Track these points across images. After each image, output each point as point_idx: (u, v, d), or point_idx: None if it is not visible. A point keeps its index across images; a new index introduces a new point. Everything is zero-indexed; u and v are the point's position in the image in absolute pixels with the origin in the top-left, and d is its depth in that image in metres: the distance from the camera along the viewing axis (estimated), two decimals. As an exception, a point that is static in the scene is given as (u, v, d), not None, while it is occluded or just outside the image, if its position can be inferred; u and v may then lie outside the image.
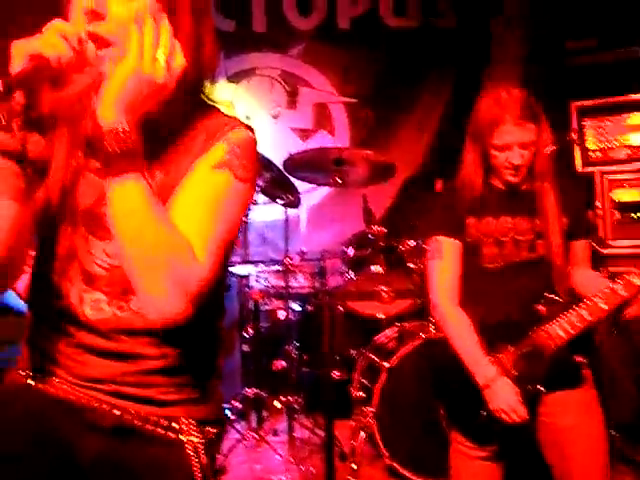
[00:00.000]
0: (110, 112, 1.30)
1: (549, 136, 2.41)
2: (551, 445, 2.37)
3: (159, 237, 1.34)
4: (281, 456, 3.76)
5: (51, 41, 1.29)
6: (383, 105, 5.53)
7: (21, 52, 1.27)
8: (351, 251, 3.88)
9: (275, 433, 4.14)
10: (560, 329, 2.27)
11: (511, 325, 2.35)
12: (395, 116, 5.52)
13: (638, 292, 2.23)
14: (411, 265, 3.81)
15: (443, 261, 2.48)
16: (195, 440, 1.52)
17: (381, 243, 3.85)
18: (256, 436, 3.89)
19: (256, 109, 5.20)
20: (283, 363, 4.05)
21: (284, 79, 5.46)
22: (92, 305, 1.49)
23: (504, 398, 2.26)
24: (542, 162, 2.41)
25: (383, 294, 3.79)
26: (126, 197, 1.32)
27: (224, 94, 5.56)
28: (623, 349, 3.79)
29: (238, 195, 1.49)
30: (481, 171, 2.47)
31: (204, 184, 1.45)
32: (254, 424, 4.13)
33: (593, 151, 4.17)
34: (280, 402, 3.98)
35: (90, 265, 1.49)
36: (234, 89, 5.43)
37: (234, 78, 5.43)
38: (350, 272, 3.89)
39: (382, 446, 3.42)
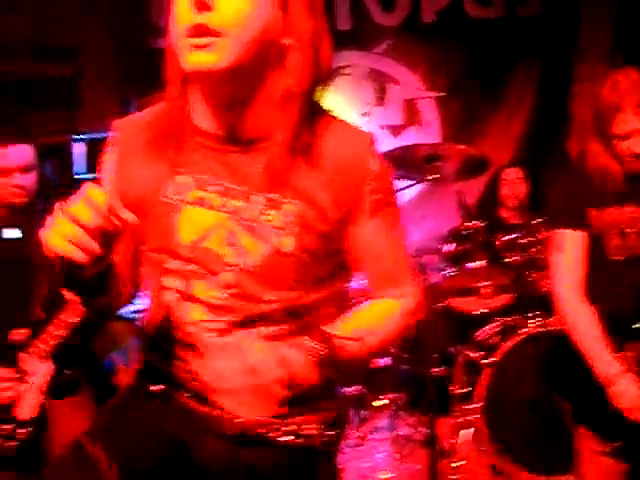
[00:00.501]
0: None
1: None
2: None
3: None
4: (384, 454, 3.76)
5: (66, 247, 1.18)
6: (472, 97, 5.47)
7: (48, 248, 1.19)
8: (449, 247, 3.86)
9: (377, 431, 4.14)
10: None
11: (636, 320, 2.29)
12: (484, 108, 5.45)
13: None
14: (508, 259, 3.76)
15: (568, 254, 2.40)
16: (320, 444, 1.54)
17: (479, 238, 3.82)
18: (359, 434, 3.91)
19: (345, 108, 5.21)
20: (383, 361, 4.05)
21: (371, 77, 5.46)
22: (216, 332, 1.48)
23: (628, 396, 2.22)
24: None
25: (482, 290, 3.76)
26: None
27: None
28: None
29: (398, 216, 1.58)
30: (613, 161, 2.35)
31: (377, 235, 1.52)
32: (356, 422, 4.14)
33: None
34: (381, 400, 3.98)
35: (207, 298, 1.46)
36: (322, 89, 5.45)
37: (322, 78, 5.45)
38: (448, 268, 3.87)
39: (486, 443, 3.39)
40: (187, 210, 1.44)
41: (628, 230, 2.34)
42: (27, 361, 2.47)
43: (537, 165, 4.77)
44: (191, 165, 1.45)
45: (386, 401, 3.98)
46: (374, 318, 1.54)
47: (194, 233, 1.44)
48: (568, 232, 2.41)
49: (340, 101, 5.31)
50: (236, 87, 1.38)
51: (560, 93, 5.38)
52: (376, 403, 3.97)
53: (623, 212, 2.35)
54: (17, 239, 2.59)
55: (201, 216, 1.43)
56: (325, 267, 1.50)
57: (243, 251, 1.41)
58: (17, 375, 2.47)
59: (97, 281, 1.28)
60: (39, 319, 2.47)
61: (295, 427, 1.52)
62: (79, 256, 1.18)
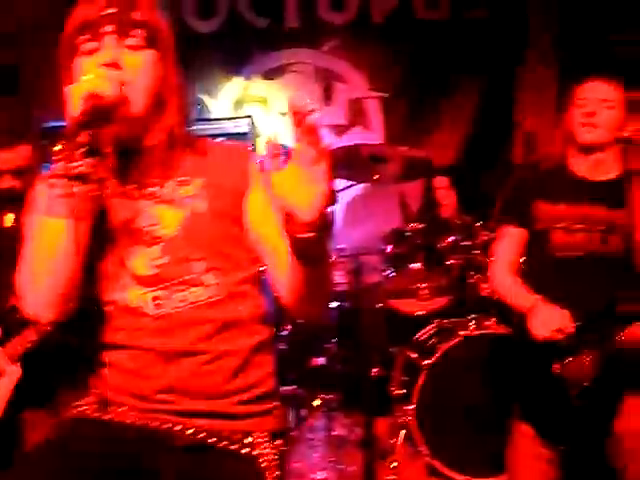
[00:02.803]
0: None
1: None
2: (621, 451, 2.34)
3: None
4: (320, 454, 3.75)
5: (99, 82, 1.45)
6: (416, 100, 5.48)
7: (77, 94, 1.42)
8: (389, 248, 3.85)
9: (313, 431, 4.12)
10: None
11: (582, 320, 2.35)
12: (429, 110, 5.47)
13: None
14: (450, 262, 3.76)
15: (504, 243, 2.65)
16: (268, 453, 1.54)
17: (419, 240, 3.82)
18: (294, 434, 3.88)
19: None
20: (321, 360, 4.03)
21: (318, 75, 5.45)
22: (154, 303, 1.55)
23: (547, 316, 2.34)
24: None
25: (421, 291, 3.76)
26: None
27: (258, 91, 5.57)
28: None
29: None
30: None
31: (264, 202, 1.58)
32: (292, 422, 4.11)
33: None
34: (318, 400, 3.96)
35: (141, 269, 1.56)
36: (268, 86, 5.45)
37: (268, 75, 5.46)
38: (388, 269, 3.86)
39: (422, 444, 3.39)
40: (115, 199, 1.61)
41: (576, 227, 2.47)
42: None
43: (480, 168, 4.83)
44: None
45: (319, 401, 3.96)
46: None
47: (124, 216, 1.60)
48: (510, 229, 2.63)
49: (286, 99, 5.28)
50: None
51: (505, 97, 5.42)
52: (315, 402, 3.95)
53: (572, 209, 2.49)
54: None
55: (125, 204, 1.61)
56: (238, 230, 1.64)
57: (167, 223, 1.59)
58: None
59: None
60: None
61: (242, 436, 1.54)
62: (108, 90, 1.44)
